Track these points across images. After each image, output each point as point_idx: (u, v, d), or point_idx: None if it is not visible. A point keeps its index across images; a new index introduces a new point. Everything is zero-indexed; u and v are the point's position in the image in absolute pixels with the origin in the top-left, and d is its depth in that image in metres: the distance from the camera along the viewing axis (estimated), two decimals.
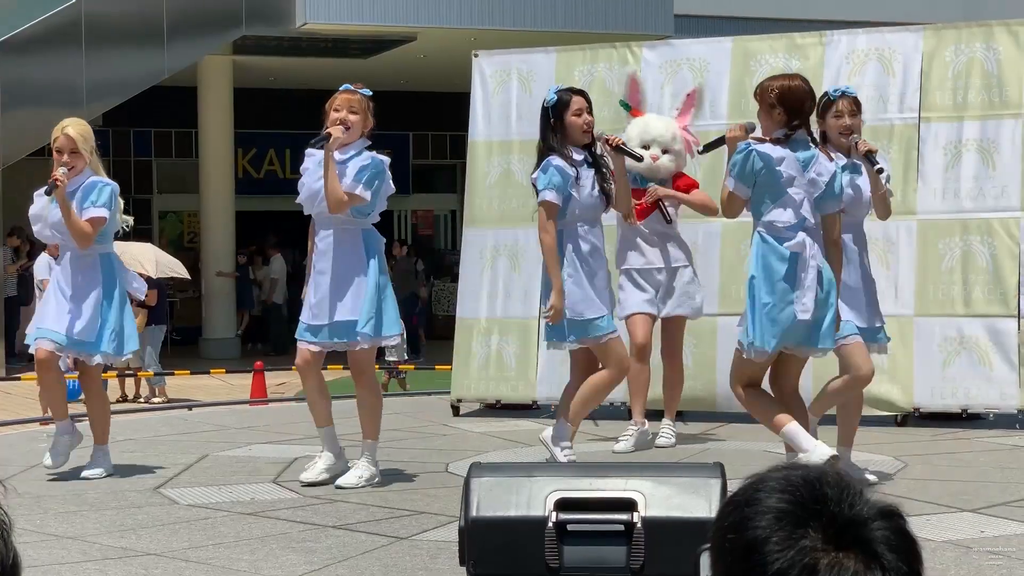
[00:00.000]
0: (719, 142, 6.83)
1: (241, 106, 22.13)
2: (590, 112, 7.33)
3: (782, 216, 6.47)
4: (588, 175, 7.25)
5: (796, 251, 6.44)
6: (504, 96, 10.09)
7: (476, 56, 10.32)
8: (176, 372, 16.24)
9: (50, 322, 7.47)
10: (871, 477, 6.92)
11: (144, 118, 23.81)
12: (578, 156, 7.26)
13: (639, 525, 3.33)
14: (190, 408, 12.53)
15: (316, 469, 7.23)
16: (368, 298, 7.05)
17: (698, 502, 3.35)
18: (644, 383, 8.35)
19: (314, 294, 7.16)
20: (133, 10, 18.71)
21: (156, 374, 15.73)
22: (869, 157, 6.87)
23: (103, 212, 7.40)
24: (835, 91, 7.08)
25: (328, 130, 7.01)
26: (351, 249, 7.11)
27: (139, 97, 19.63)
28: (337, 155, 7.02)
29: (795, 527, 1.54)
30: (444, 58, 19.89)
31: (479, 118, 10.19)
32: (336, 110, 7.11)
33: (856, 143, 6.94)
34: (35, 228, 7.75)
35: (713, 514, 3.22)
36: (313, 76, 23.26)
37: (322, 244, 7.17)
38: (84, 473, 7.50)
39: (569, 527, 3.37)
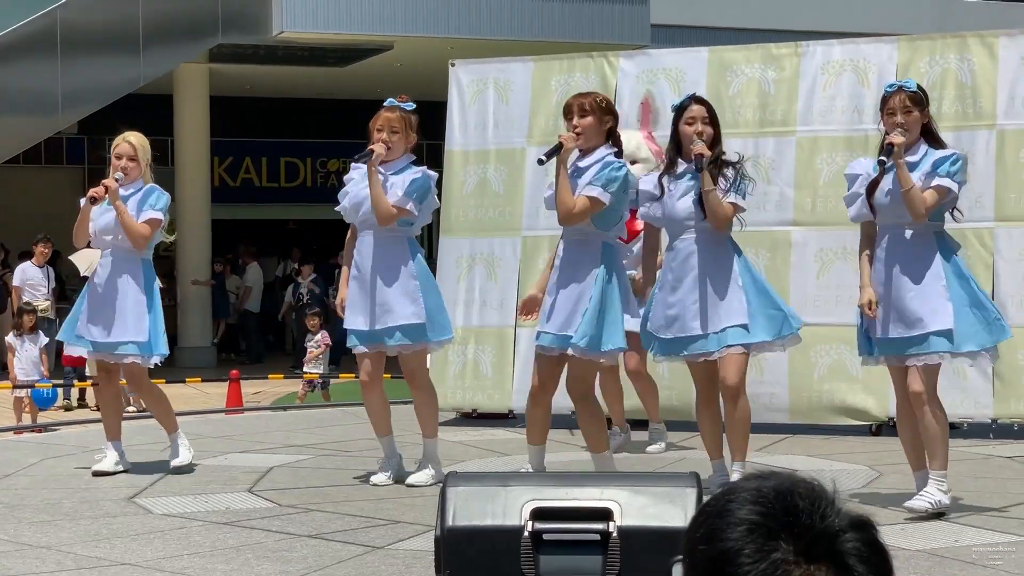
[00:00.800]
0: (557, 149, 6.73)
1: (217, 114, 22.10)
2: (705, 123, 6.87)
3: None
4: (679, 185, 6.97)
5: None
6: (481, 105, 10.10)
7: (453, 65, 10.34)
8: (152, 380, 16.16)
9: (82, 328, 7.79)
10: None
11: (120, 126, 23.77)
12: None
13: (615, 534, 3.34)
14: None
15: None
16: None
17: (674, 511, 3.36)
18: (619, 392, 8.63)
19: (359, 299, 7.33)
20: (109, 18, 18.67)
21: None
22: (887, 149, 6.41)
23: (159, 215, 7.78)
24: (890, 86, 6.67)
25: (371, 146, 7.21)
26: (397, 255, 7.28)
27: (115, 105, 19.58)
28: (383, 170, 7.23)
29: (767, 539, 1.54)
30: (421, 67, 19.90)
31: (456, 127, 10.20)
32: (379, 130, 7.27)
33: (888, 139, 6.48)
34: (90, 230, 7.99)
35: (688, 524, 3.24)
36: (289, 84, 23.27)
37: (364, 250, 7.35)
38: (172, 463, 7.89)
39: (545, 536, 3.37)
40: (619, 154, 6.86)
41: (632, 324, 8.01)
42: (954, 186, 6.45)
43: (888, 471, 7.71)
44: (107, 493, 7.32)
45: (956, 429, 9.09)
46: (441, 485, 3.28)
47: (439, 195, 7.81)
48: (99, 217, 7.79)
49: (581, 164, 6.80)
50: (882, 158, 6.40)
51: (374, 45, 19.83)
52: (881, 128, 6.64)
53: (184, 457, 7.91)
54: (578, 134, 6.73)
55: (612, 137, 6.86)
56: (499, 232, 9.92)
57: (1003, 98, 9.03)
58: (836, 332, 9.00)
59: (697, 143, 6.76)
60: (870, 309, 6.48)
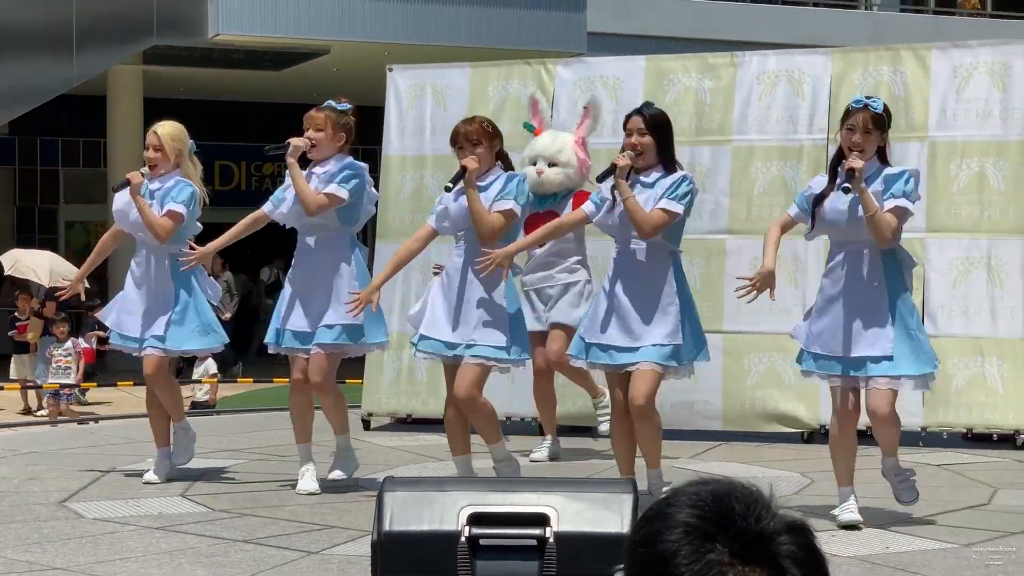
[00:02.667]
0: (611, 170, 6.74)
1: (151, 116, 21.84)
2: (640, 133, 6.76)
3: None
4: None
5: None
6: (418, 111, 10.10)
7: (391, 70, 10.33)
8: (82, 384, 16.02)
9: (128, 326, 7.70)
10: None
11: (52, 127, 23.52)
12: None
13: (551, 540, 3.36)
14: (96, 421, 12.38)
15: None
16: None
17: (610, 517, 3.38)
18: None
19: (299, 302, 7.29)
20: (42, 17, 18.50)
21: (61, 385, 15.51)
22: (847, 175, 6.31)
23: (180, 208, 7.57)
24: (856, 101, 6.52)
25: (289, 139, 7.15)
26: (337, 255, 7.24)
27: (47, 105, 19.39)
28: (314, 169, 7.21)
29: (703, 541, 1.56)
30: (357, 72, 19.84)
31: (393, 133, 10.19)
32: (305, 128, 7.28)
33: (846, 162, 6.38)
34: (119, 224, 7.92)
35: (625, 529, 3.26)
36: (225, 87, 23.13)
37: (303, 251, 7.32)
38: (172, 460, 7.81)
39: (482, 541, 3.38)
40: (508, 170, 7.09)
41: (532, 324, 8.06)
42: (910, 206, 6.43)
43: (820, 478, 7.77)
44: (37, 497, 7.25)
45: None
46: (378, 489, 3.29)
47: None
48: (131, 211, 7.67)
49: (481, 183, 6.93)
50: (846, 185, 6.27)
51: (310, 49, 19.76)
52: (836, 139, 6.61)
53: (183, 460, 7.88)
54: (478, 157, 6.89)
55: (501, 157, 7.06)
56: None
57: (935, 110, 9.15)
58: (769, 340, 9.07)
59: (621, 156, 6.71)
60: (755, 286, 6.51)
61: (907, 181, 6.41)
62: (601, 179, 6.78)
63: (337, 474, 7.40)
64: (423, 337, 7.03)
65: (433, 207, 7.30)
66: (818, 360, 6.51)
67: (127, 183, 7.60)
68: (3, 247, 19.97)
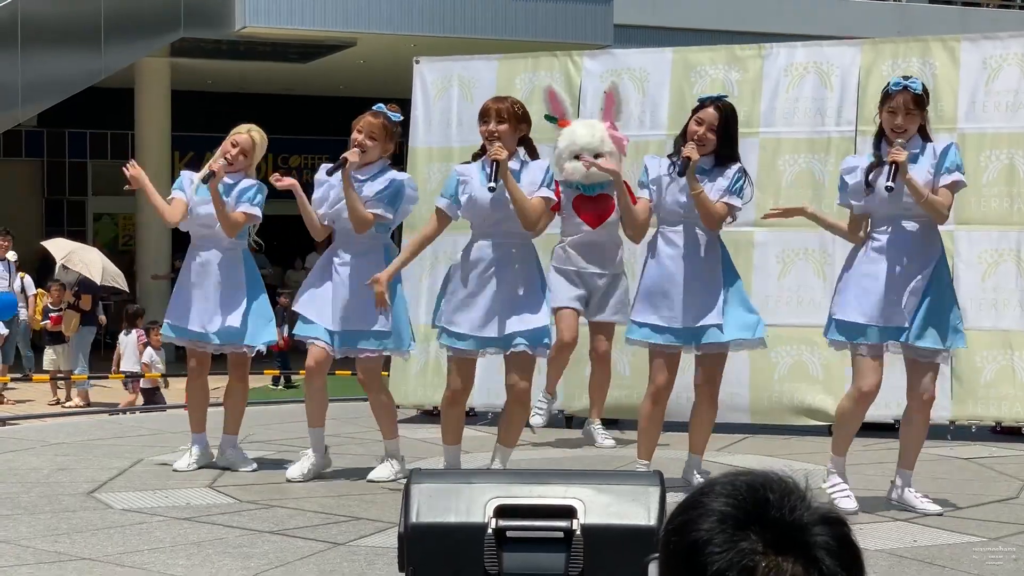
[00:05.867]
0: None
1: (178, 108, 21.99)
2: (710, 129, 6.84)
3: None
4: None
5: None
6: (445, 103, 10.10)
7: (417, 62, 10.33)
8: (110, 375, 16.11)
9: (192, 323, 7.79)
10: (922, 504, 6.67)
11: (80, 119, 23.62)
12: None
13: (578, 532, 3.35)
14: (124, 412, 12.43)
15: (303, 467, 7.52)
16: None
17: (637, 510, 3.37)
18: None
19: (334, 301, 7.37)
20: (70, 10, 18.56)
21: (89, 377, 15.62)
22: (890, 171, 6.33)
23: (256, 211, 7.74)
24: (895, 84, 6.51)
25: (344, 155, 7.23)
26: (372, 262, 7.30)
27: (75, 98, 19.47)
28: (358, 175, 7.29)
29: (736, 530, 1.56)
30: (384, 64, 19.88)
31: (420, 125, 10.19)
32: (358, 131, 7.35)
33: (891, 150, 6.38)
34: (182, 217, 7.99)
35: (652, 522, 3.25)
36: (251, 80, 23.19)
37: (341, 255, 7.42)
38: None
39: (509, 534, 3.37)
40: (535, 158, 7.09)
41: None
42: (962, 177, 6.52)
43: (847, 471, 7.74)
44: (66, 488, 7.28)
45: None
46: (405, 481, 3.28)
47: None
48: (199, 207, 7.76)
49: (513, 166, 6.90)
50: (889, 184, 6.29)
51: (337, 41, 19.79)
52: (876, 121, 6.64)
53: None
54: (496, 139, 6.83)
55: (525, 143, 7.02)
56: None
57: (964, 102, 9.10)
58: (797, 333, 9.04)
59: (689, 146, 6.78)
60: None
61: (956, 153, 6.50)
62: (681, 172, 6.76)
63: (379, 473, 7.46)
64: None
65: (448, 192, 7.18)
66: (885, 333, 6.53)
67: (212, 175, 7.63)
68: (32, 240, 20.06)
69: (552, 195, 6.94)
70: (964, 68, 9.12)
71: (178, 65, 21.30)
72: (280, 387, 17.47)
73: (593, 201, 8.57)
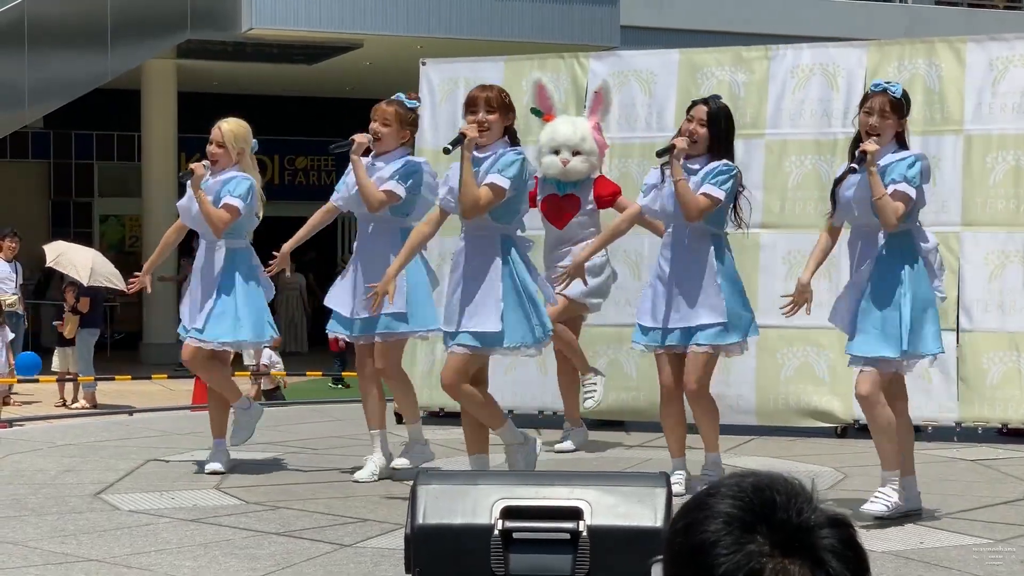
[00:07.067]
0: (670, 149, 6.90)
1: (185, 110, 22.00)
2: (700, 123, 6.95)
3: None
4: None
5: None
6: (451, 105, 10.09)
7: (424, 64, 10.33)
8: (117, 377, 16.12)
9: (187, 319, 7.82)
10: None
11: (86, 121, 23.63)
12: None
13: (585, 534, 3.35)
14: (130, 413, 12.44)
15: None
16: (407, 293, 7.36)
17: (643, 511, 3.37)
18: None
19: (355, 289, 7.41)
20: (77, 11, 18.58)
21: (95, 379, 15.63)
22: (859, 157, 6.35)
23: (237, 202, 7.63)
24: (875, 85, 6.54)
25: (353, 136, 7.27)
26: (386, 246, 7.34)
27: (81, 99, 19.48)
28: (373, 160, 7.32)
29: (743, 532, 1.56)
30: (390, 66, 19.88)
31: (426, 126, 10.17)
32: (372, 120, 7.39)
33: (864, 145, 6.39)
34: (182, 219, 8.04)
35: (658, 523, 3.26)
36: (258, 81, 23.20)
37: (361, 238, 7.48)
38: (207, 467, 7.80)
39: (515, 535, 3.38)
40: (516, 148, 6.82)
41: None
42: (911, 191, 6.34)
43: (854, 473, 7.75)
44: (73, 489, 7.29)
45: (920, 432, 9.15)
46: (412, 482, 3.29)
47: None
48: (193, 206, 7.76)
49: (479, 155, 6.68)
50: (853, 165, 6.41)
51: (343, 43, 19.80)
52: (855, 124, 6.67)
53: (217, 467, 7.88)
54: (484, 129, 6.63)
55: (509, 133, 6.80)
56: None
57: (970, 104, 9.09)
58: (803, 334, 9.03)
59: (679, 138, 6.90)
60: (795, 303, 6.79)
61: (911, 166, 6.36)
62: (661, 155, 6.95)
63: (402, 462, 7.45)
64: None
65: (438, 185, 7.22)
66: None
67: (191, 173, 7.65)
68: (39, 241, 20.08)
69: (502, 182, 6.55)
70: (970, 69, 9.11)
71: (184, 67, 21.32)
72: (339, 387, 17.59)
73: (561, 201, 8.53)
